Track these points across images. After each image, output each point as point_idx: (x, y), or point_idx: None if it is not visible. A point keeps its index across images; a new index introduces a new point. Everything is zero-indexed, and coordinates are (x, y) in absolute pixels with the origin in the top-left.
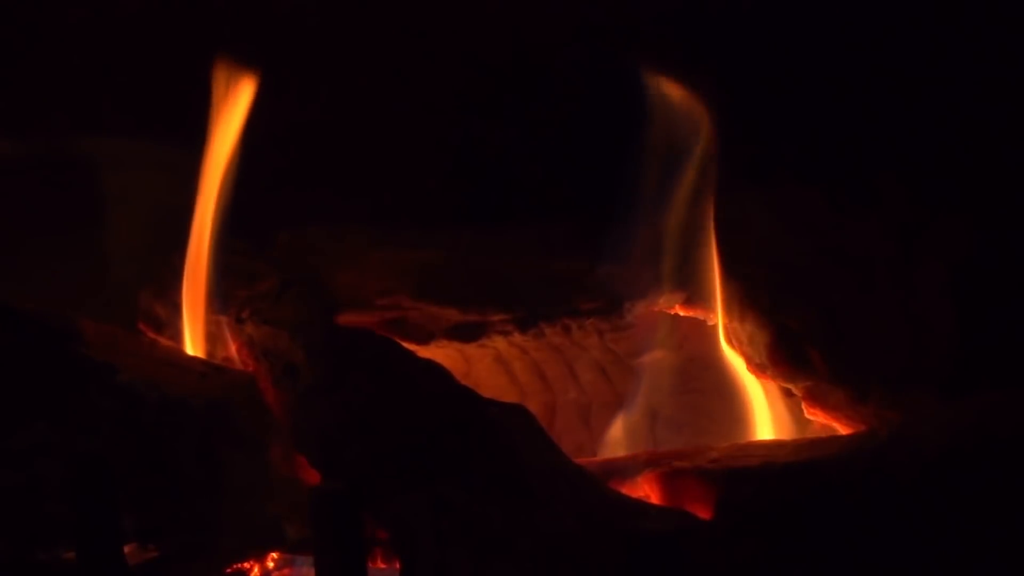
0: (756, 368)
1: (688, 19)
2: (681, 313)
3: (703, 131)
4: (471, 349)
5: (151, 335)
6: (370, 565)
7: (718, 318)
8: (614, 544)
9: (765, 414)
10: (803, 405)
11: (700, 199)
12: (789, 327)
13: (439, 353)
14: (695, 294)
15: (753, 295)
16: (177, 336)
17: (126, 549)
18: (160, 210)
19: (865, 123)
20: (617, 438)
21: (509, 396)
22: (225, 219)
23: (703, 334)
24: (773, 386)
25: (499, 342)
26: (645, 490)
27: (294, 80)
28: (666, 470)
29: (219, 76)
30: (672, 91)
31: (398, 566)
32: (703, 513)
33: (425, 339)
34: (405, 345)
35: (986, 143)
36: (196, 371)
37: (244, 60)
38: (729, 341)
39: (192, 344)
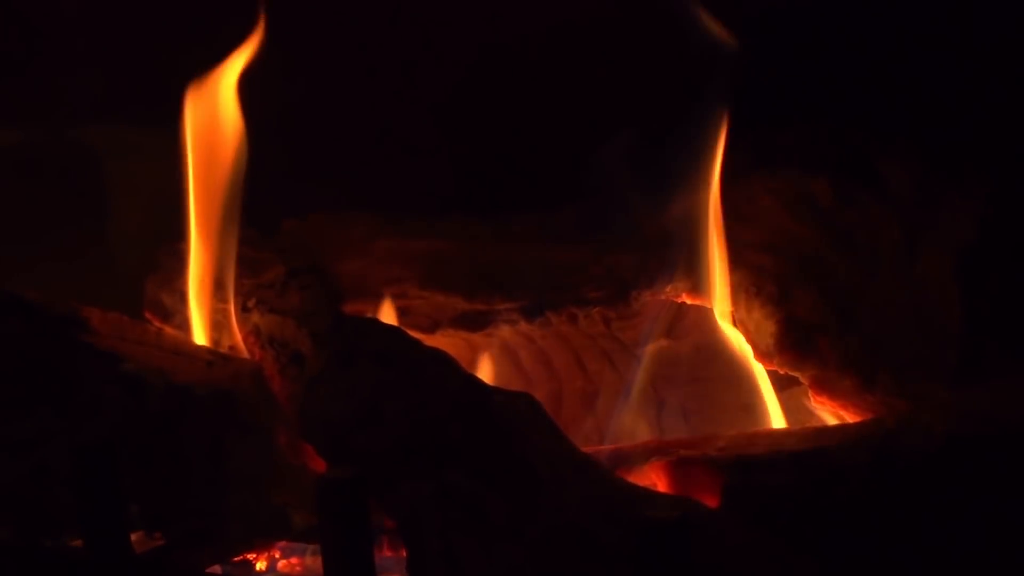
0: (763, 356)
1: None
2: (688, 301)
3: (714, 116)
4: (477, 338)
5: (157, 323)
6: (377, 553)
7: (718, 306)
8: (621, 531)
9: (772, 403)
10: (810, 394)
11: (705, 187)
12: (797, 315)
13: (445, 342)
14: (701, 282)
15: (760, 284)
16: (183, 325)
17: (132, 537)
18: (165, 198)
19: (869, 108)
20: (624, 427)
21: (515, 385)
22: (236, 206)
23: (710, 322)
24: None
25: (505, 331)
26: (652, 479)
27: (300, 69)
28: (673, 459)
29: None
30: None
31: (405, 554)
32: (710, 501)
33: (431, 328)
34: (411, 334)
35: (992, 128)
36: (202, 359)
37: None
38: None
39: (198, 332)
